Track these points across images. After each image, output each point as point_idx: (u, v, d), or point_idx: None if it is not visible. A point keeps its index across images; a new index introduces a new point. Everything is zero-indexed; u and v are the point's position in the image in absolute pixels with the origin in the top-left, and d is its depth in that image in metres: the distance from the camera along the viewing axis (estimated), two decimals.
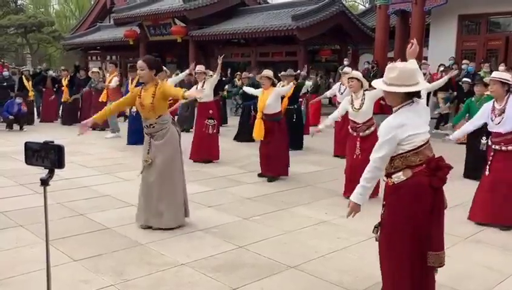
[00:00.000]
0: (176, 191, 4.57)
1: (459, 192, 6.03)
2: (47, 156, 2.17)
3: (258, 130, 6.74)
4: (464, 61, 13.16)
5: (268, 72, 6.91)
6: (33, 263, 3.63)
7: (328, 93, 9.74)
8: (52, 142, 2.19)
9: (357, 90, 5.76)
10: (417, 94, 2.79)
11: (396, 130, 2.70)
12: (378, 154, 2.75)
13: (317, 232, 4.60)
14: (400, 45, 16.32)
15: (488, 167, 4.84)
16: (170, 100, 7.10)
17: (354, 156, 5.73)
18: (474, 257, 4.04)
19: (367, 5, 29.62)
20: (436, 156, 2.82)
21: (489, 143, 4.91)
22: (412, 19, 15.31)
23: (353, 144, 5.79)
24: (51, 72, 15.35)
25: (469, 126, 5.13)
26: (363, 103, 5.65)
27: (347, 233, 4.50)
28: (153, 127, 4.50)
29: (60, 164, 2.18)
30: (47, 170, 2.28)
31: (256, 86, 8.68)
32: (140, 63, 4.47)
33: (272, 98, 6.67)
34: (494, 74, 4.90)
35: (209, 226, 4.68)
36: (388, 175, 2.84)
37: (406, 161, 2.75)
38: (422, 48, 15.37)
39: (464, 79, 11.20)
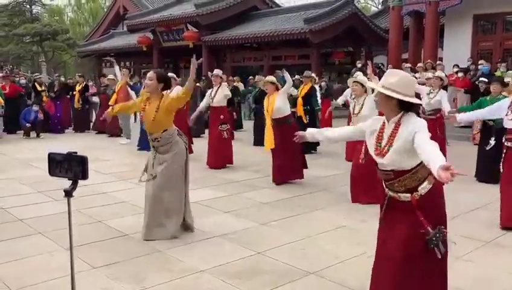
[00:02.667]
0: (172, 206, 4.45)
1: (479, 194, 5.95)
2: (70, 168, 2.17)
3: (269, 138, 6.67)
4: (480, 62, 13.01)
5: (271, 78, 6.93)
6: (54, 271, 3.65)
7: (340, 100, 9.55)
8: (76, 153, 2.19)
9: (359, 96, 5.69)
10: (408, 109, 2.63)
11: None
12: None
13: (336, 237, 4.56)
14: (414, 46, 16.22)
15: (501, 165, 4.79)
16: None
17: (359, 160, 5.66)
18: (497, 262, 3.95)
19: (380, 7, 29.47)
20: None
21: (503, 141, 4.87)
22: (426, 19, 15.19)
23: (356, 146, 5.77)
24: (62, 79, 15.64)
25: (477, 113, 5.08)
26: (361, 108, 5.59)
27: (366, 238, 4.44)
28: (158, 141, 4.42)
29: (84, 175, 2.18)
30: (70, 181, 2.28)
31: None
32: (150, 73, 4.44)
33: (278, 101, 6.65)
34: None
35: (226, 232, 4.66)
36: (411, 191, 2.62)
37: (427, 168, 2.60)
38: (437, 48, 15.24)
39: (481, 79, 11.06)
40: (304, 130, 3.53)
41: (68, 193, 2.26)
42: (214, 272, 3.70)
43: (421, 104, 7.15)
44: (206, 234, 4.60)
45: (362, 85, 5.66)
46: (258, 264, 3.89)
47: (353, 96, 8.28)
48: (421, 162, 2.58)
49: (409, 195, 2.63)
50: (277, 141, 6.64)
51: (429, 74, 8.59)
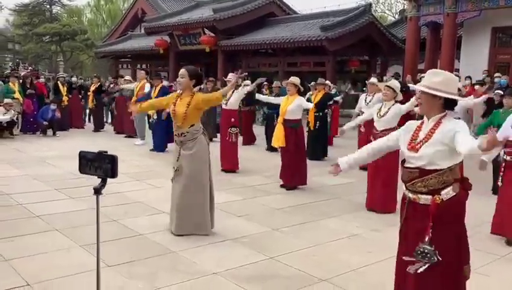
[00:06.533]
0: (204, 200, 4.64)
1: (493, 207, 5.89)
2: (100, 166, 2.23)
3: (278, 136, 6.84)
4: (497, 74, 12.89)
5: (294, 79, 6.99)
6: (70, 267, 3.72)
7: (357, 109, 9.37)
8: (106, 152, 2.25)
9: (389, 100, 5.81)
10: (452, 107, 2.68)
11: None
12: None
13: (348, 245, 4.56)
14: (431, 57, 16.13)
15: (501, 178, 4.78)
16: None
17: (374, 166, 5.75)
18: None
19: (397, 16, 29.38)
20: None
21: (502, 154, 4.87)
22: (443, 31, 15.10)
23: None
24: (74, 79, 15.85)
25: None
26: (387, 112, 5.70)
27: (379, 247, 4.45)
28: (184, 136, 4.59)
29: (114, 174, 2.24)
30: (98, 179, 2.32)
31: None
32: (182, 70, 4.63)
33: (294, 105, 6.77)
34: None
35: (238, 235, 4.69)
36: (433, 192, 2.56)
37: (454, 173, 2.59)
38: (454, 60, 15.14)
39: (496, 91, 10.96)
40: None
41: (97, 191, 2.31)
42: (227, 275, 3.73)
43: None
44: (219, 237, 4.64)
45: (394, 90, 5.78)
46: (270, 269, 3.91)
47: (370, 99, 8.29)
48: (450, 167, 2.56)
49: (429, 197, 2.57)
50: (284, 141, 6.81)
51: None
